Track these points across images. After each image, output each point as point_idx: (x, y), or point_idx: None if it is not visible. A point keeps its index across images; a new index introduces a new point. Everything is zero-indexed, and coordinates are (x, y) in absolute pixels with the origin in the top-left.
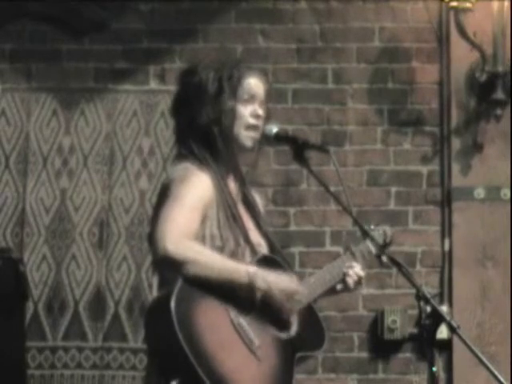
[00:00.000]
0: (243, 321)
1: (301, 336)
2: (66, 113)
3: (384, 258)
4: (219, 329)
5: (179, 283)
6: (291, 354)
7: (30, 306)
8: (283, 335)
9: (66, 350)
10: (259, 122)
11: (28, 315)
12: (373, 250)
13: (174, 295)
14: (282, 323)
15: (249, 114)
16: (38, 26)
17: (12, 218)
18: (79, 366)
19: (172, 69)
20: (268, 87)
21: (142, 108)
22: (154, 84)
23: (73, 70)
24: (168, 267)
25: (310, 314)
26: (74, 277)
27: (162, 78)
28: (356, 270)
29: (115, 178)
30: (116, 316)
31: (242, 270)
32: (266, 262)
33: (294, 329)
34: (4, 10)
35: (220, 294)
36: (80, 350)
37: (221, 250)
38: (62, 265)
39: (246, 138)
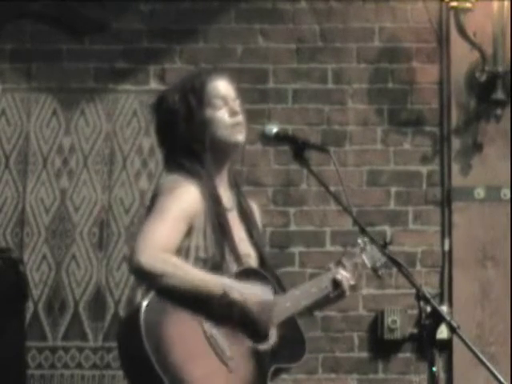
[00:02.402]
0: (217, 332)
1: (278, 348)
2: (66, 113)
3: (380, 273)
4: (189, 339)
5: (151, 295)
6: (267, 366)
7: (30, 305)
8: (259, 347)
9: (65, 349)
10: (239, 118)
11: (28, 315)
12: (368, 263)
13: (143, 306)
14: (259, 335)
15: (227, 115)
16: (38, 26)
17: (12, 218)
18: (79, 366)
19: (172, 69)
20: (234, 84)
21: (141, 108)
22: (154, 84)
23: (73, 70)
24: (140, 279)
25: (291, 327)
26: (74, 277)
27: (162, 77)
28: (345, 275)
29: (115, 178)
30: (116, 316)
31: (217, 282)
32: (247, 274)
33: (271, 341)
34: (4, 10)
35: (194, 305)
36: (80, 349)
37: (204, 261)
38: (62, 265)
39: (232, 135)
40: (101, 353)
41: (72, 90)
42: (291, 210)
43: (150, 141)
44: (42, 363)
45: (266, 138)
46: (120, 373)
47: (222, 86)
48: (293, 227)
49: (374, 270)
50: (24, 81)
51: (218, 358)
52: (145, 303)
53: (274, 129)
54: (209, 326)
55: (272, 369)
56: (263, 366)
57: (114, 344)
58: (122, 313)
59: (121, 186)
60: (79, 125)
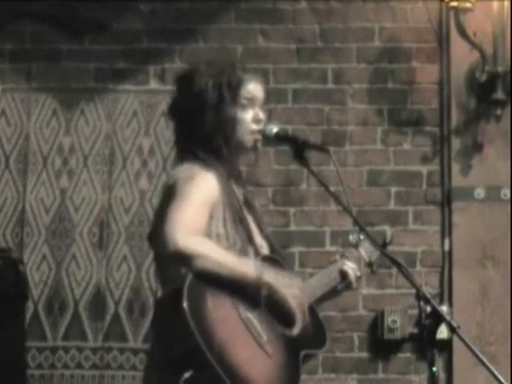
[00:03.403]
0: (251, 316)
1: (304, 335)
2: (66, 113)
3: (375, 267)
4: (229, 323)
5: (189, 278)
6: (297, 352)
7: (30, 305)
8: (289, 332)
9: (65, 350)
10: (261, 126)
11: (28, 315)
12: (365, 257)
13: (185, 289)
14: (287, 321)
15: (251, 119)
16: (38, 26)
17: (12, 218)
18: (79, 366)
19: (172, 69)
20: (265, 87)
21: (142, 108)
22: (154, 84)
23: (73, 69)
24: (178, 262)
25: (311, 315)
26: (74, 277)
27: (162, 78)
28: (353, 267)
29: (115, 177)
30: (116, 316)
31: (250, 265)
32: (268, 262)
33: (298, 327)
34: (4, 10)
35: (228, 289)
36: (80, 349)
37: (227, 250)
38: (62, 265)
39: (250, 141)
40: (101, 353)
41: (72, 90)
42: (291, 210)
43: (149, 141)
44: (42, 363)
45: (266, 138)
46: (120, 373)
47: (255, 89)
48: (293, 227)
49: (370, 264)
50: (24, 81)
51: (256, 341)
52: (185, 287)
53: (274, 129)
54: (243, 310)
55: (302, 354)
56: (294, 351)
57: (113, 344)
58: (122, 313)
59: (121, 186)
60: (79, 125)
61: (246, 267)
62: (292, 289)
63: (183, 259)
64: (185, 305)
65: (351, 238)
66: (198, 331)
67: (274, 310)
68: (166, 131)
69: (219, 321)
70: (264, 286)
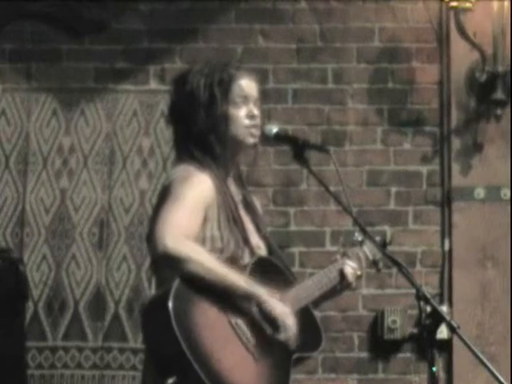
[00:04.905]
0: (240, 321)
1: (298, 337)
2: (66, 113)
3: (380, 265)
4: (216, 327)
5: (176, 282)
6: (288, 355)
7: (30, 305)
8: (280, 336)
9: (65, 350)
10: (256, 122)
11: (28, 315)
12: (369, 255)
13: (171, 293)
14: (277, 325)
15: (244, 115)
16: (38, 26)
17: (12, 217)
18: (79, 366)
19: (172, 69)
20: (260, 86)
21: (142, 108)
22: (153, 84)
23: (73, 70)
24: (167, 264)
25: (307, 316)
26: (74, 277)
27: (162, 78)
28: (353, 266)
29: (115, 178)
30: (116, 316)
31: (237, 273)
32: (263, 264)
33: (286, 333)
34: (4, 10)
35: (217, 293)
36: (80, 349)
37: (221, 251)
38: (62, 265)
39: (246, 136)
40: (101, 353)
41: (72, 90)
42: (291, 210)
43: (149, 141)
44: (42, 363)
45: (266, 138)
46: (120, 373)
47: (248, 87)
48: (293, 227)
49: (375, 262)
50: (24, 81)
51: (244, 346)
52: (171, 290)
53: (274, 129)
54: (232, 315)
55: (294, 358)
56: (285, 354)
57: (113, 344)
58: (122, 313)
59: (121, 186)
60: (79, 125)
61: (233, 274)
62: (280, 300)
63: (172, 262)
64: (170, 308)
65: (356, 235)
66: (183, 335)
67: (264, 314)
68: (166, 131)
69: (206, 325)
70: (252, 295)
